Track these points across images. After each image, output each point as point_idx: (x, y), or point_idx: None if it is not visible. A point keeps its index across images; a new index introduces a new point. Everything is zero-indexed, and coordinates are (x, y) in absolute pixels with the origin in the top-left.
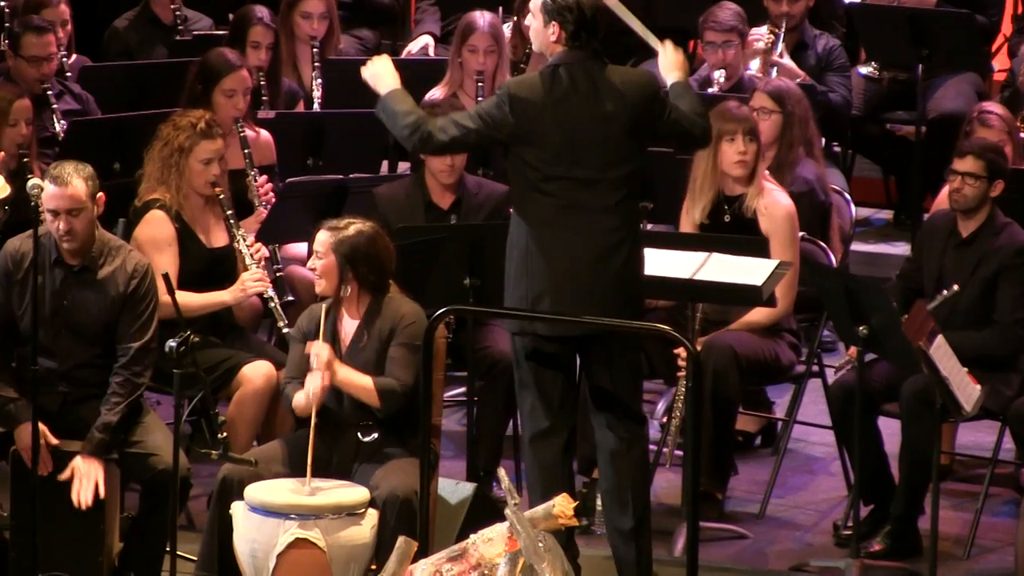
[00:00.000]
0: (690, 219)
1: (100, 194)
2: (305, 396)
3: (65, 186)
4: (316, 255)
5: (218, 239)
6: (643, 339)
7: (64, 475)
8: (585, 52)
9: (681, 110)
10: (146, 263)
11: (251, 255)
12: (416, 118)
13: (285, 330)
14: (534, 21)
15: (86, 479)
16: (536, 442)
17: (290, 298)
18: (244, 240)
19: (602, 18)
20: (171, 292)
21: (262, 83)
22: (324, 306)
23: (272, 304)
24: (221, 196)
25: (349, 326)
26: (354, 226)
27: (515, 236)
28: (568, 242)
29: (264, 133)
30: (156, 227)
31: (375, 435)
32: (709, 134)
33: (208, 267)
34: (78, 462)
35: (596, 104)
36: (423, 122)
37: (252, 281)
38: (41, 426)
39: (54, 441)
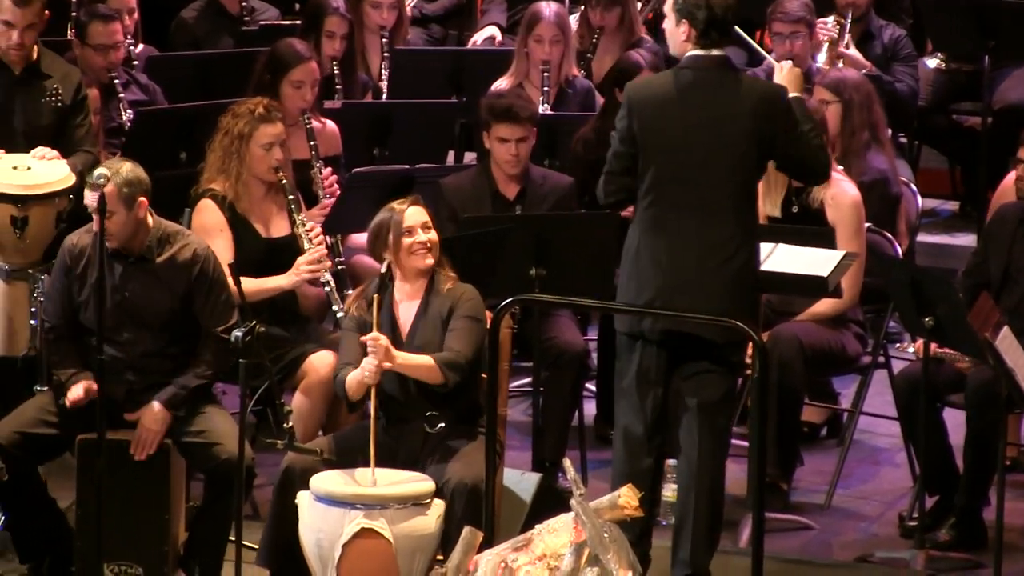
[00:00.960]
0: (762, 212)
1: (142, 199)
2: (361, 372)
3: (96, 190)
4: (424, 227)
5: (278, 229)
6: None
7: (132, 415)
8: (714, 56)
9: (806, 136)
10: (206, 247)
11: (309, 239)
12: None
13: (339, 315)
14: (668, 22)
15: (150, 432)
16: (629, 457)
17: (348, 292)
18: (303, 224)
19: (733, 18)
20: (237, 281)
21: (335, 72)
22: (375, 295)
23: (328, 288)
24: (283, 181)
25: (407, 311)
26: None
27: (630, 237)
28: (680, 247)
29: (330, 124)
30: (205, 216)
31: (441, 425)
32: (829, 168)
33: (266, 257)
34: (146, 411)
35: (717, 109)
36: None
37: (307, 265)
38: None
39: (133, 417)
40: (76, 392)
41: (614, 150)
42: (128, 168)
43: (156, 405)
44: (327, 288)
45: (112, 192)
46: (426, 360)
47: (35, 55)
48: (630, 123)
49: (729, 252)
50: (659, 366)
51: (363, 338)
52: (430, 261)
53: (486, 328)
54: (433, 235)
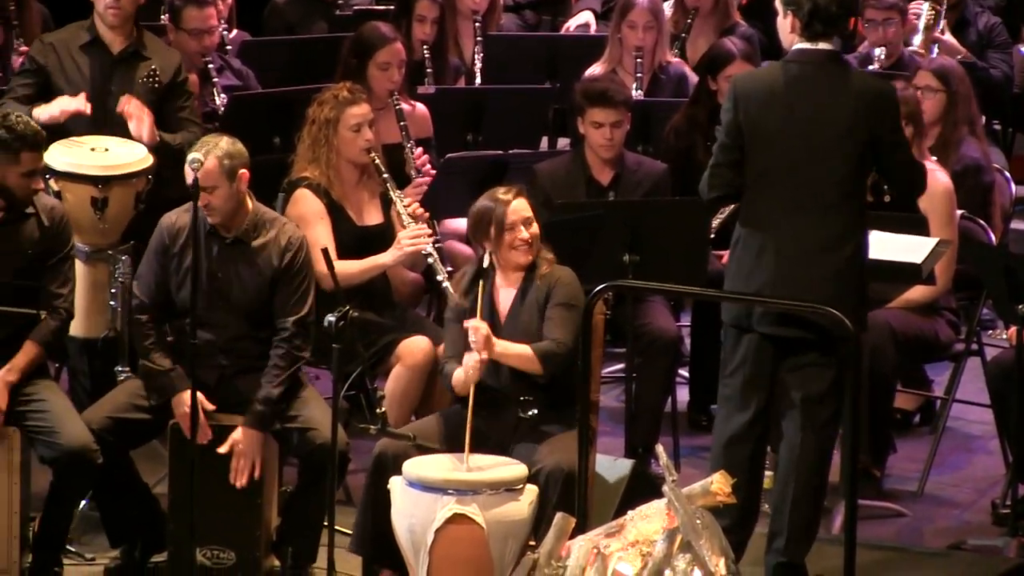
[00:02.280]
0: None
1: (243, 172)
2: (464, 372)
3: (196, 152)
4: (527, 223)
5: (371, 217)
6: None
7: (223, 448)
8: (821, 49)
9: (906, 144)
10: (300, 235)
11: (409, 214)
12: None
13: (445, 284)
14: (780, 16)
15: (244, 457)
16: (728, 444)
17: (449, 270)
18: (401, 200)
19: (840, 10)
20: (330, 267)
21: (426, 56)
22: (477, 283)
23: (432, 260)
24: (376, 161)
25: (505, 296)
26: (512, 192)
27: (737, 230)
28: (784, 241)
29: (420, 106)
30: (304, 204)
31: (534, 411)
32: (925, 182)
33: (360, 244)
34: (238, 435)
35: (823, 103)
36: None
37: (409, 238)
38: (199, 395)
39: (210, 407)
40: (181, 410)
41: (720, 142)
42: (227, 141)
43: (245, 430)
44: (430, 259)
45: (214, 166)
46: (525, 350)
47: (135, 36)
48: (735, 116)
49: (834, 246)
50: (764, 358)
51: (465, 323)
52: (529, 258)
53: (581, 314)
54: (535, 229)
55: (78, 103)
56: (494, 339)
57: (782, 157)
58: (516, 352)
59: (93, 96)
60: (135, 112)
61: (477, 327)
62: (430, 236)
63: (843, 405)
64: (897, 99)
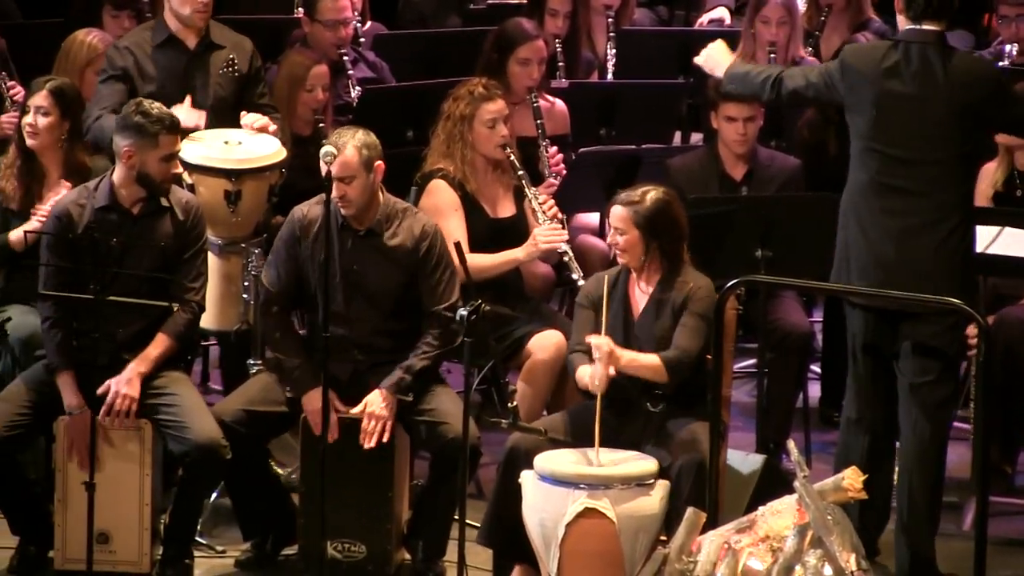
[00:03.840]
0: (986, 195)
1: (379, 163)
2: (591, 381)
3: (338, 153)
4: (616, 231)
5: (504, 209)
6: (956, 332)
7: (357, 410)
8: (926, 30)
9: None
10: (434, 225)
11: (544, 211)
12: (768, 71)
13: (580, 283)
14: None
15: (376, 419)
16: (848, 426)
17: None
18: (537, 198)
19: None
20: (462, 260)
21: (558, 51)
22: (607, 279)
23: (567, 258)
24: (511, 157)
25: (641, 296)
26: (650, 195)
27: (841, 204)
28: (879, 220)
29: (559, 103)
30: (438, 196)
31: (663, 405)
32: None
33: (493, 236)
34: (372, 397)
35: (922, 85)
36: (774, 71)
37: (544, 235)
38: (330, 393)
39: (342, 408)
40: (312, 407)
41: (815, 82)
42: (363, 133)
43: (383, 391)
44: (565, 257)
45: (353, 156)
46: (652, 360)
47: (207, 28)
48: (842, 76)
49: (934, 224)
50: (874, 344)
51: (587, 338)
52: (622, 261)
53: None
54: (623, 239)
55: (194, 121)
56: (618, 352)
57: (875, 135)
58: (642, 363)
59: (176, 92)
60: (258, 123)
61: (599, 344)
62: (566, 236)
63: (957, 390)
64: (998, 74)
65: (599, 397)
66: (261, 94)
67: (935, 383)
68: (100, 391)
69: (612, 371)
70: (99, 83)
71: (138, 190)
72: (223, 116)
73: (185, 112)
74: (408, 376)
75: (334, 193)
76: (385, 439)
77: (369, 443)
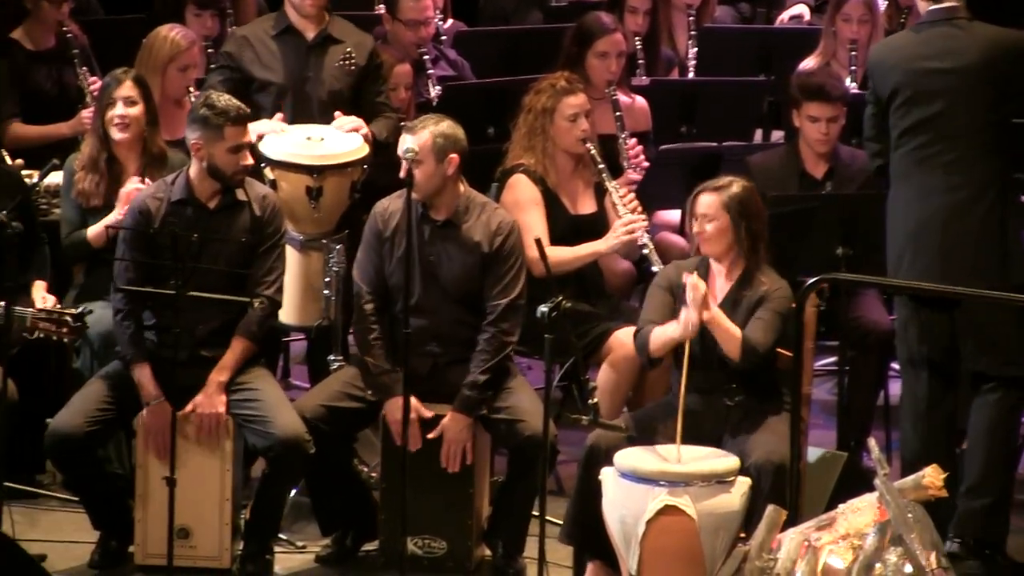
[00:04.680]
0: None
1: (453, 155)
2: (682, 328)
3: (412, 134)
4: (704, 219)
5: (584, 206)
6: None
7: (433, 433)
8: (944, 7)
9: None
10: (511, 220)
11: (624, 204)
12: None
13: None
14: None
15: (454, 443)
16: (913, 416)
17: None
18: (617, 191)
19: None
20: (543, 256)
21: (638, 48)
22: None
23: (647, 250)
24: (592, 151)
25: (719, 289)
26: (736, 183)
27: (888, 199)
28: (918, 198)
29: (639, 100)
30: (520, 190)
31: (740, 398)
32: None
33: (573, 232)
34: (447, 422)
35: (950, 59)
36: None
37: (624, 226)
38: (413, 400)
39: (427, 414)
40: (394, 415)
41: (866, 114)
42: (448, 124)
43: (455, 415)
44: (645, 249)
45: (426, 141)
46: (735, 329)
47: (327, 21)
48: (873, 84)
49: (966, 202)
50: (931, 321)
51: (685, 277)
52: (706, 250)
53: (788, 325)
54: (713, 226)
55: (273, 127)
56: (711, 300)
57: (906, 116)
58: (727, 327)
59: (291, 83)
60: (348, 126)
61: (696, 284)
62: (647, 227)
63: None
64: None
65: (681, 396)
66: (379, 91)
67: (1001, 373)
68: (186, 411)
69: (705, 316)
70: (211, 72)
71: (213, 184)
72: (336, 110)
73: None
74: (473, 393)
75: (402, 174)
76: (468, 461)
77: (452, 468)
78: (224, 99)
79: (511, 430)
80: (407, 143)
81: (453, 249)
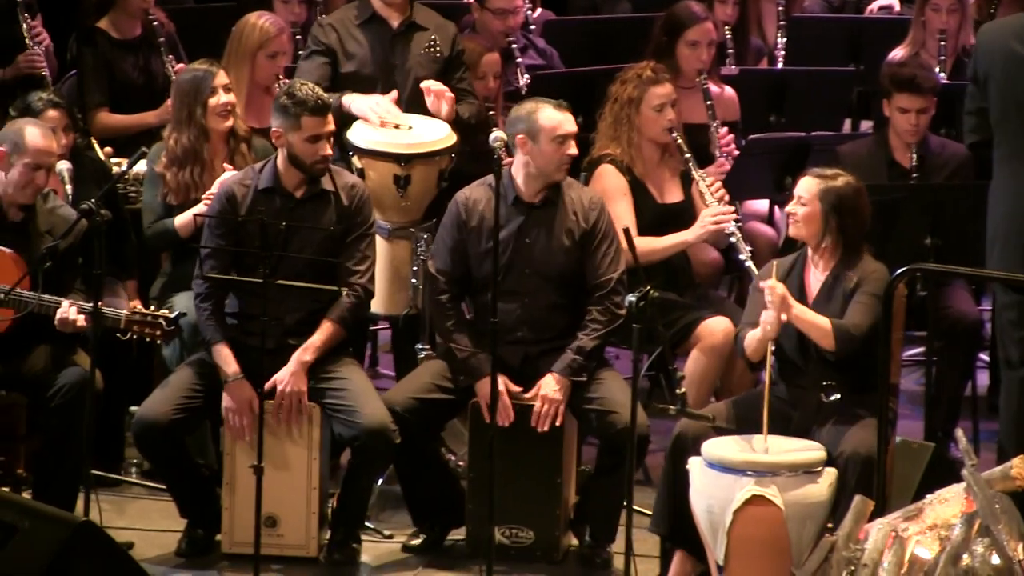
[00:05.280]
0: None
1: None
2: (761, 329)
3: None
4: (799, 200)
5: (671, 195)
6: None
7: (529, 394)
8: None
9: None
10: (599, 198)
11: (711, 193)
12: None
13: (748, 263)
14: None
15: (550, 403)
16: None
17: (749, 252)
18: (704, 180)
19: None
20: (631, 246)
21: (728, 37)
22: (782, 265)
23: (735, 239)
24: (679, 141)
25: (816, 279)
26: (843, 177)
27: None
28: (1009, 191)
29: (728, 90)
30: (607, 180)
31: (837, 395)
32: None
33: (660, 221)
34: (546, 381)
35: None
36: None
37: (712, 216)
38: (501, 377)
39: (515, 388)
40: (484, 393)
41: (968, 91)
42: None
43: (556, 376)
44: (733, 238)
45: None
46: (822, 320)
47: (411, 9)
48: (974, 63)
49: None
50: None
51: (761, 284)
52: (794, 232)
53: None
54: (804, 210)
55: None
56: (791, 300)
57: (997, 105)
58: (813, 320)
59: (378, 72)
60: (435, 88)
61: (773, 287)
62: (735, 216)
63: None
64: None
65: (767, 386)
66: (461, 78)
67: None
68: (267, 387)
69: (784, 317)
70: (302, 59)
71: (298, 173)
72: (422, 97)
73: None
74: (580, 357)
75: (568, 151)
76: (559, 423)
77: (543, 427)
78: (305, 89)
79: (601, 420)
80: (496, 133)
81: (547, 231)
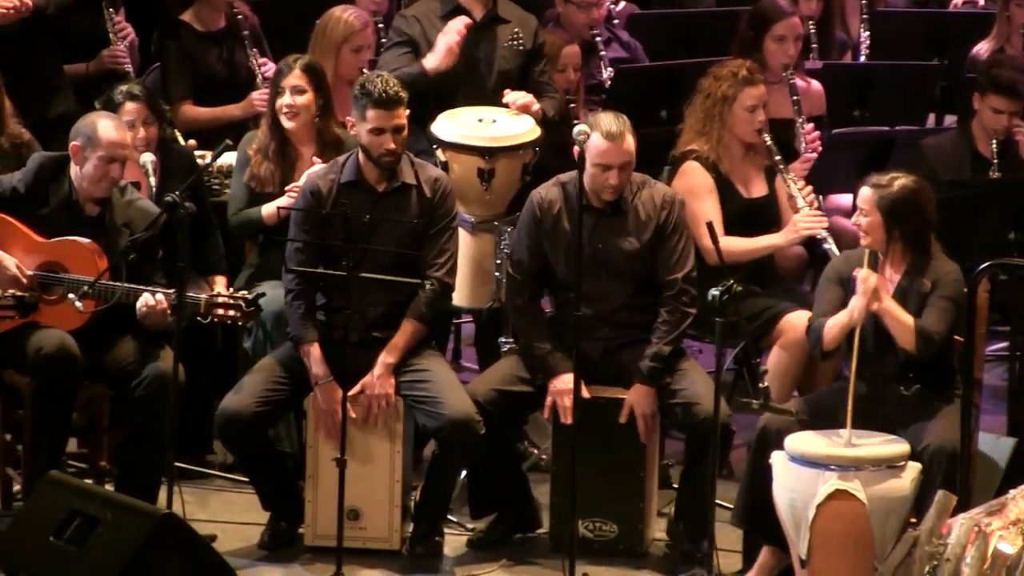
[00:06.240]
0: None
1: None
2: (848, 315)
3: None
4: (860, 211)
5: (757, 189)
6: None
7: (624, 415)
8: None
9: None
10: (673, 194)
11: (803, 197)
12: None
13: (831, 248)
14: None
15: (650, 417)
16: None
17: (833, 247)
18: (796, 183)
19: None
20: (715, 242)
21: (812, 31)
22: (867, 250)
23: (827, 246)
24: (768, 143)
25: (890, 281)
26: (898, 182)
27: None
28: None
29: (815, 84)
30: (692, 178)
31: (917, 387)
32: None
33: (745, 217)
34: (636, 397)
35: None
36: None
37: (805, 221)
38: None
39: (586, 394)
40: (559, 393)
41: None
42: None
43: (642, 387)
44: (826, 245)
45: (632, 145)
46: (908, 319)
47: (493, 1)
48: None
49: None
50: None
51: (855, 271)
52: (864, 243)
53: (962, 311)
54: (866, 221)
55: (457, 26)
56: (883, 292)
57: None
58: (899, 315)
59: (461, 63)
60: (520, 104)
61: (867, 276)
62: (827, 224)
63: None
64: None
65: (851, 380)
66: (542, 71)
67: None
68: (353, 392)
69: (874, 306)
70: (384, 50)
71: (375, 166)
72: (504, 90)
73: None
74: (657, 364)
75: (609, 180)
76: (645, 432)
77: (650, 440)
78: (378, 81)
79: (686, 413)
80: (580, 127)
81: (620, 234)
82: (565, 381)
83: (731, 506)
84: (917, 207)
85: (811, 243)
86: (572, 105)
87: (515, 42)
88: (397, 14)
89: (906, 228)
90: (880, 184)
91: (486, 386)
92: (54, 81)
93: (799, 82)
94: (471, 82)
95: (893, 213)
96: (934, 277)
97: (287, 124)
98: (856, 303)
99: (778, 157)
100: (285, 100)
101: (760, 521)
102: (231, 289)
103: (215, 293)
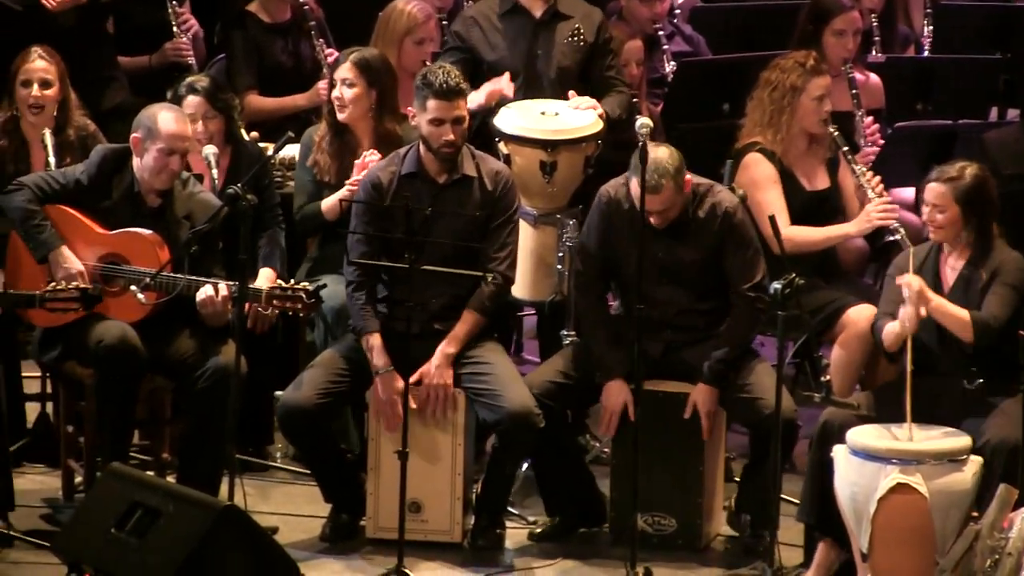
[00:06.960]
0: None
1: (688, 178)
2: (900, 324)
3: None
4: (935, 208)
5: (819, 181)
6: None
7: (688, 411)
8: None
9: None
10: (736, 203)
11: (872, 187)
12: None
13: (901, 238)
14: None
15: (708, 417)
16: None
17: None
18: (864, 174)
19: None
20: (776, 233)
21: (874, 25)
22: (917, 254)
23: (899, 237)
24: (835, 133)
25: (951, 273)
26: (968, 171)
27: None
28: None
29: (873, 77)
30: (756, 169)
31: (980, 381)
32: None
33: (808, 209)
34: (700, 397)
35: None
36: None
37: (877, 211)
38: (625, 387)
39: (631, 414)
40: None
41: None
42: (671, 153)
43: (706, 388)
44: (896, 236)
45: (668, 183)
46: (961, 313)
47: None
48: None
49: None
50: None
51: (898, 279)
52: (936, 238)
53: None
54: (943, 216)
55: (502, 84)
56: (929, 293)
57: None
58: (951, 312)
59: (520, 61)
60: (584, 105)
61: (909, 282)
62: (898, 215)
63: None
64: None
65: (907, 373)
66: (610, 66)
67: None
68: (412, 380)
69: (923, 312)
70: (442, 52)
71: (435, 158)
72: (566, 87)
73: (490, 83)
74: (721, 366)
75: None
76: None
77: (706, 437)
78: (440, 72)
79: (749, 407)
80: (642, 120)
81: (682, 245)
82: (614, 391)
83: (795, 500)
84: (988, 194)
85: (875, 236)
86: (634, 100)
87: (576, 38)
88: (459, 15)
89: (981, 215)
90: (952, 177)
91: (543, 378)
92: (108, 72)
93: (857, 75)
94: (531, 80)
95: (969, 203)
96: (996, 265)
97: (338, 116)
98: (905, 313)
99: (845, 148)
100: (335, 92)
101: (823, 515)
102: (291, 281)
103: (275, 285)
